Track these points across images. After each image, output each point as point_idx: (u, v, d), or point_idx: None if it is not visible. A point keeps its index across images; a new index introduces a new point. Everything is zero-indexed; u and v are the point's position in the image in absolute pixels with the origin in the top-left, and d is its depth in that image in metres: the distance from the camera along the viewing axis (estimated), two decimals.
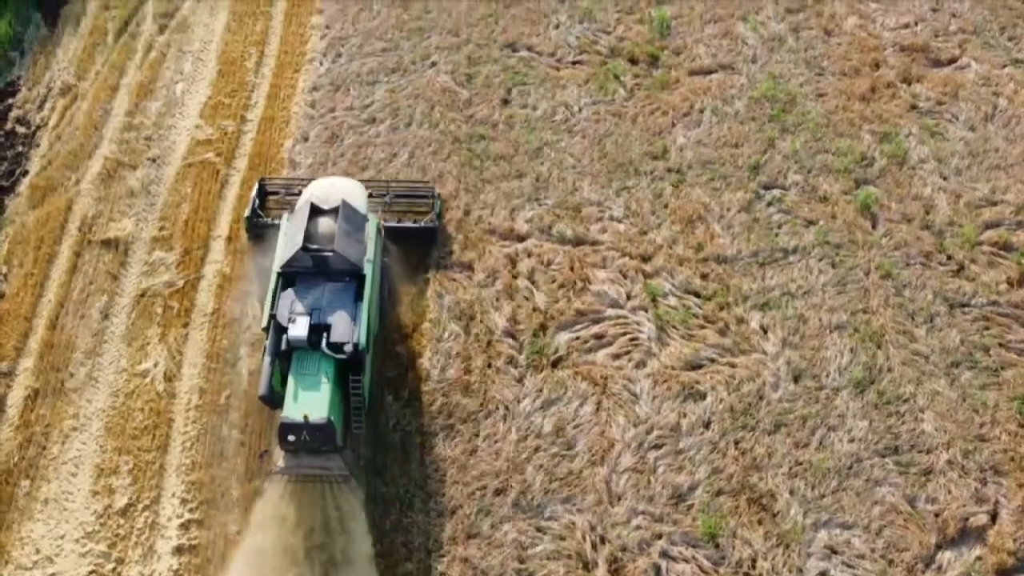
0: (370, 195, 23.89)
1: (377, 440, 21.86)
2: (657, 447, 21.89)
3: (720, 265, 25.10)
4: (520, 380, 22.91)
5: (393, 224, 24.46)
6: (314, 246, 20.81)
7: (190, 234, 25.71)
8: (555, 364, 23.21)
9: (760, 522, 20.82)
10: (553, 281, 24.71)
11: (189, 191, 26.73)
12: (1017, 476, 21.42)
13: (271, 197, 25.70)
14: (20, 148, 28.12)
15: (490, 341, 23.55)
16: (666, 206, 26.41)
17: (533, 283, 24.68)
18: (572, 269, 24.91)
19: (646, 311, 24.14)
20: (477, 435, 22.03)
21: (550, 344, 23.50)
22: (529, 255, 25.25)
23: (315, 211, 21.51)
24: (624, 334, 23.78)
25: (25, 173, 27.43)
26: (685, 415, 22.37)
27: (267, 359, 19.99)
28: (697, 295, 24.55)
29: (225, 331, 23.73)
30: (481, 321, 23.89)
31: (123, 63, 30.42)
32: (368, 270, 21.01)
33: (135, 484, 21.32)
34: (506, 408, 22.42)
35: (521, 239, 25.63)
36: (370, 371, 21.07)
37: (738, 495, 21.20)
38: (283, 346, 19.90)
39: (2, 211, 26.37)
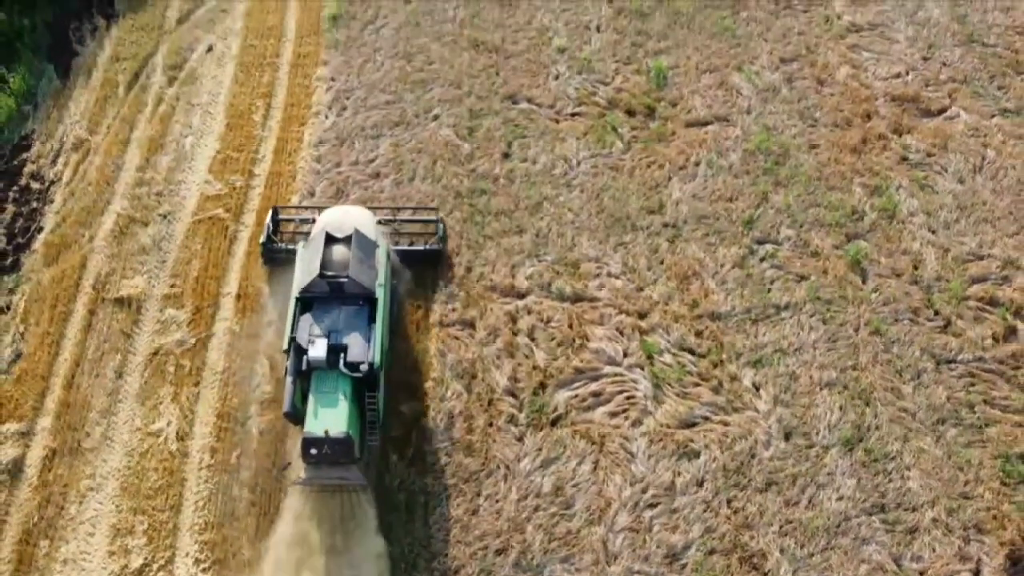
0: (379, 222, 25.14)
1: (383, 500, 22.64)
2: (652, 506, 22.68)
3: (714, 322, 25.86)
4: (520, 439, 23.71)
5: (400, 248, 25.78)
6: (330, 273, 22.19)
7: (200, 291, 26.52)
8: (554, 422, 24.00)
9: None
10: (552, 339, 25.50)
11: (199, 248, 27.53)
12: (999, 534, 22.18)
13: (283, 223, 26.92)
14: (35, 204, 28.88)
15: (491, 400, 24.35)
16: (662, 262, 27.18)
17: (533, 340, 25.46)
18: (571, 326, 25.69)
19: (642, 369, 24.92)
20: (479, 494, 22.83)
21: (549, 402, 24.29)
22: (529, 312, 26.03)
23: (330, 239, 22.82)
24: (621, 392, 24.56)
25: (40, 230, 28.17)
26: (680, 474, 23.15)
27: (289, 379, 21.35)
28: (692, 352, 25.31)
29: (235, 390, 24.54)
30: (483, 379, 24.68)
31: (134, 116, 31.20)
32: (380, 294, 22.40)
33: (150, 544, 22.13)
34: (507, 467, 23.21)
35: (521, 296, 26.42)
36: (383, 388, 22.40)
37: (730, 554, 21.98)
38: (303, 366, 21.25)
39: (19, 269, 27.18)
